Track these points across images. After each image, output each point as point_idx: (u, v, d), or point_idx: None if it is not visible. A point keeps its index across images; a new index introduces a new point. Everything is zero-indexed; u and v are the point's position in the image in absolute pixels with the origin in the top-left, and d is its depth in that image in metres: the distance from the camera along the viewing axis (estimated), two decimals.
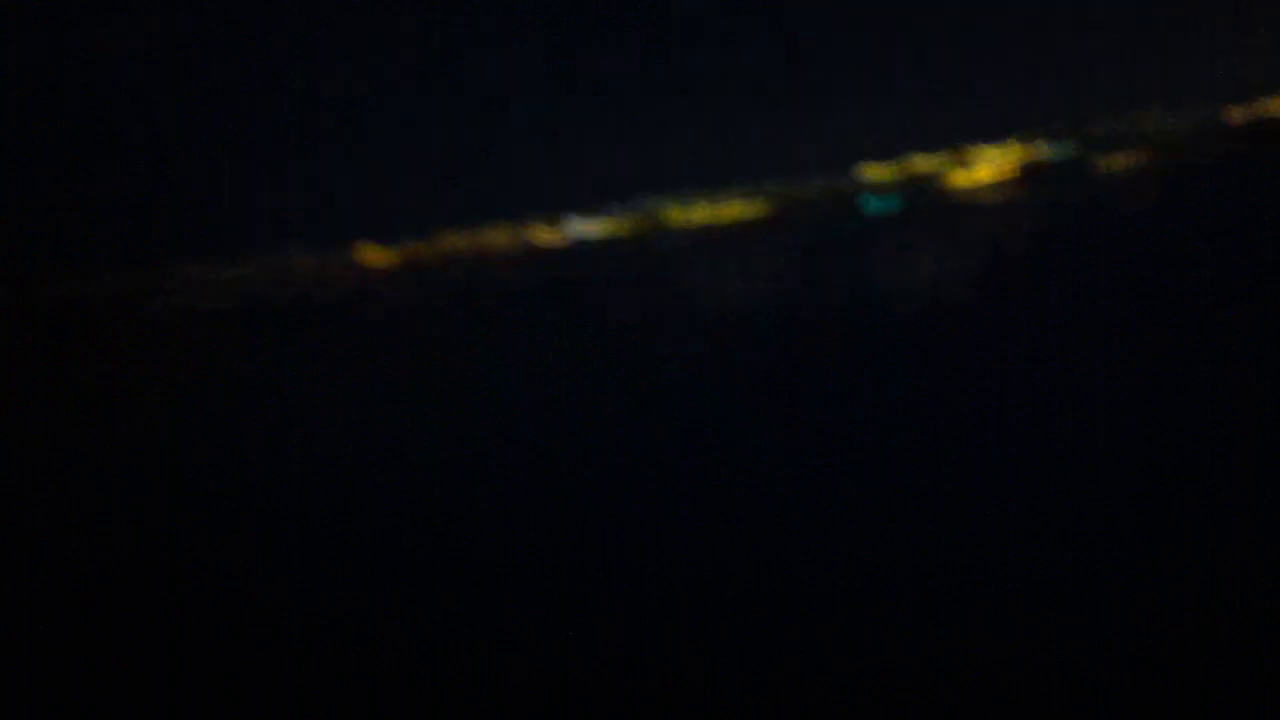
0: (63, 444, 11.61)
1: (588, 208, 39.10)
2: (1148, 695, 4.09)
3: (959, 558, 5.41)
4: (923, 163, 42.99)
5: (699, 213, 45.94)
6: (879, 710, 4.35)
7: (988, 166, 47.00)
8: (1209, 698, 4.00)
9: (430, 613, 5.52)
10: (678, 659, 4.82)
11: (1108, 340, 11.18)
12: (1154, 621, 4.55)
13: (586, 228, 46.58)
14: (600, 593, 5.53)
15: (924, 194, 44.44)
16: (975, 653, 4.60)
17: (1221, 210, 25.09)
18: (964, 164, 46.02)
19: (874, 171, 41.43)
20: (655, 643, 4.97)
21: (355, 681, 5.02)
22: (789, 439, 8.41)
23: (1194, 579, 4.89)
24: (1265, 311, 10.68)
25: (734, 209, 45.78)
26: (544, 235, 48.12)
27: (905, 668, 4.56)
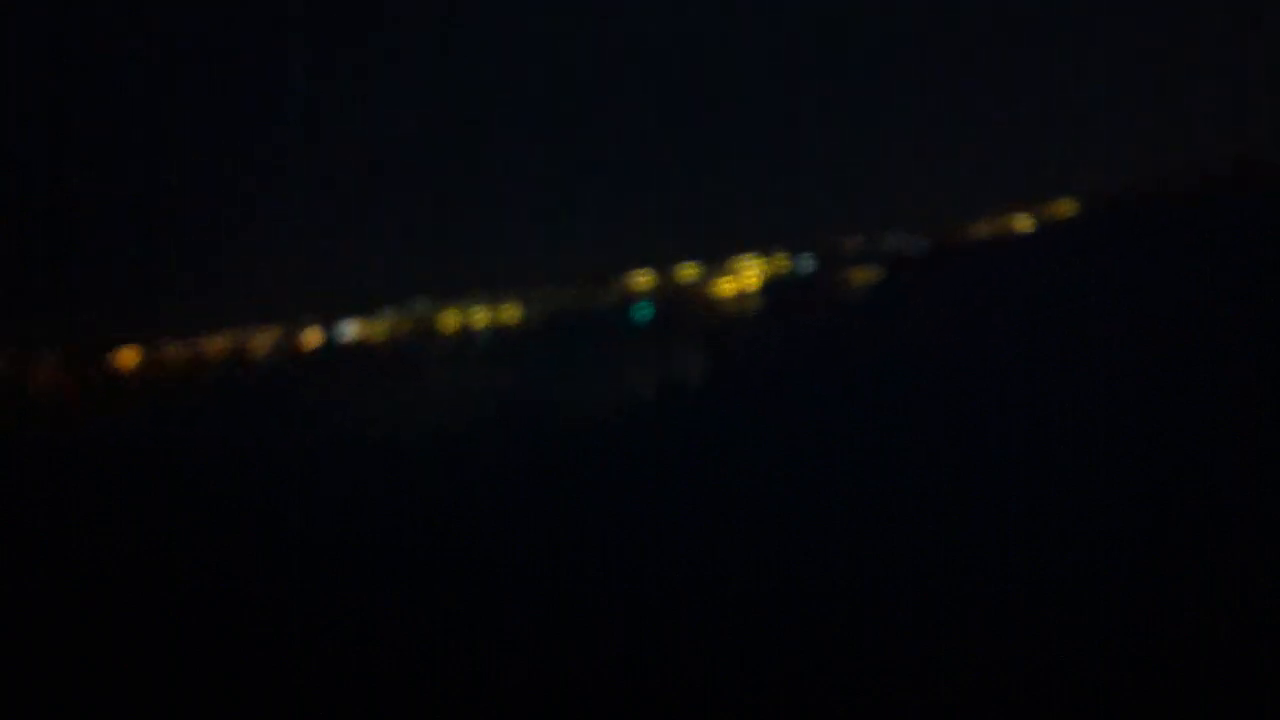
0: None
1: (361, 310, 38.96)
2: (1148, 695, 4.39)
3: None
4: (686, 271, 44.18)
5: (473, 315, 46.24)
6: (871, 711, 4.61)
7: (744, 277, 48.63)
8: (1209, 698, 4.31)
9: None
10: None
11: (846, 446, 11.83)
12: (1153, 624, 4.86)
13: (354, 329, 46.27)
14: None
15: (684, 301, 45.62)
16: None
17: (955, 320, 26.60)
18: (723, 274, 47.53)
19: (639, 279, 42.37)
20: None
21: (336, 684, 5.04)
22: (547, 550, 8.63)
23: (1180, 587, 5.21)
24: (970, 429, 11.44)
25: (506, 312, 46.11)
26: (309, 336, 47.61)
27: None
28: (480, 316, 46.12)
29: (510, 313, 46.65)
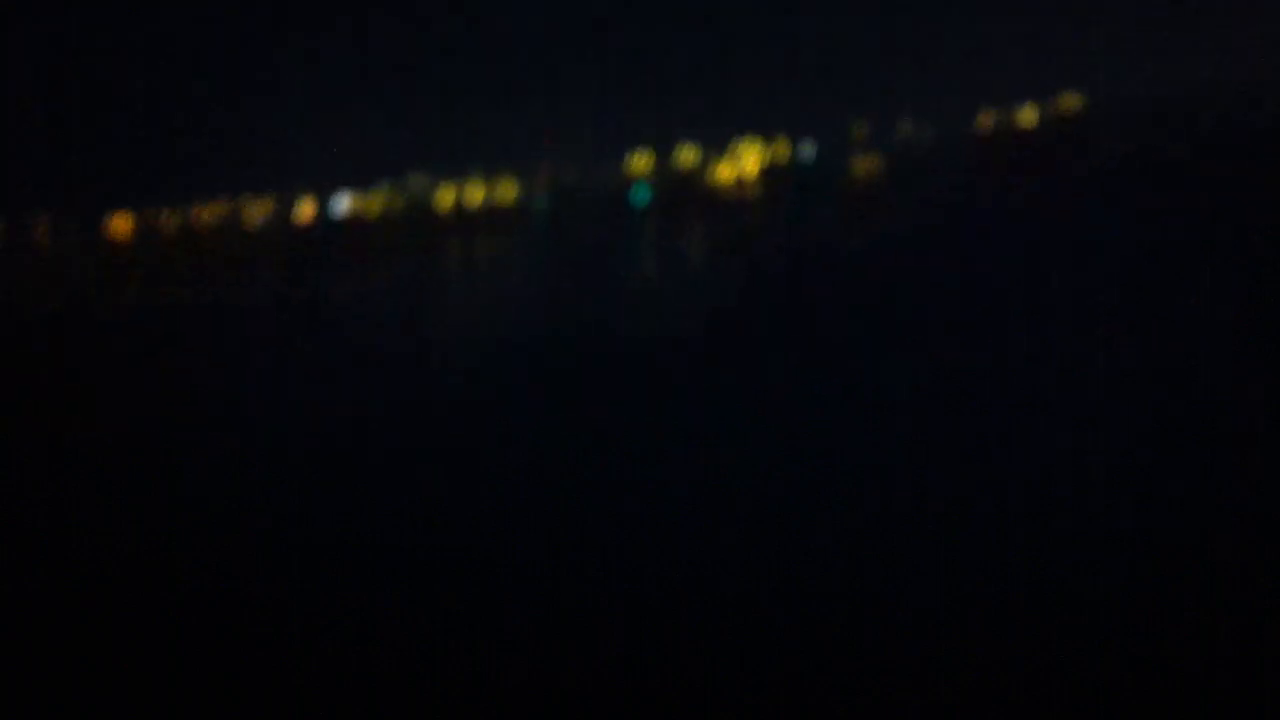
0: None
1: (359, 184, 38.40)
2: (1148, 696, 4.35)
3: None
4: (686, 155, 43.74)
5: (469, 193, 45.67)
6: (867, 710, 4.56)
7: (745, 162, 48.09)
8: (1209, 698, 4.26)
9: None
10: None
11: (846, 332, 11.68)
12: (1153, 622, 4.82)
13: (349, 203, 45.72)
14: None
15: (685, 185, 45.06)
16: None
17: (959, 212, 26.39)
18: (723, 158, 47.03)
19: (639, 162, 41.94)
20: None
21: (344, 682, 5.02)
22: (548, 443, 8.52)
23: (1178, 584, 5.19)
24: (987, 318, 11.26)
25: (504, 190, 45.57)
26: (304, 209, 47.10)
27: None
28: (477, 194, 45.64)
29: (507, 191, 46.22)
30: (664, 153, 41.79)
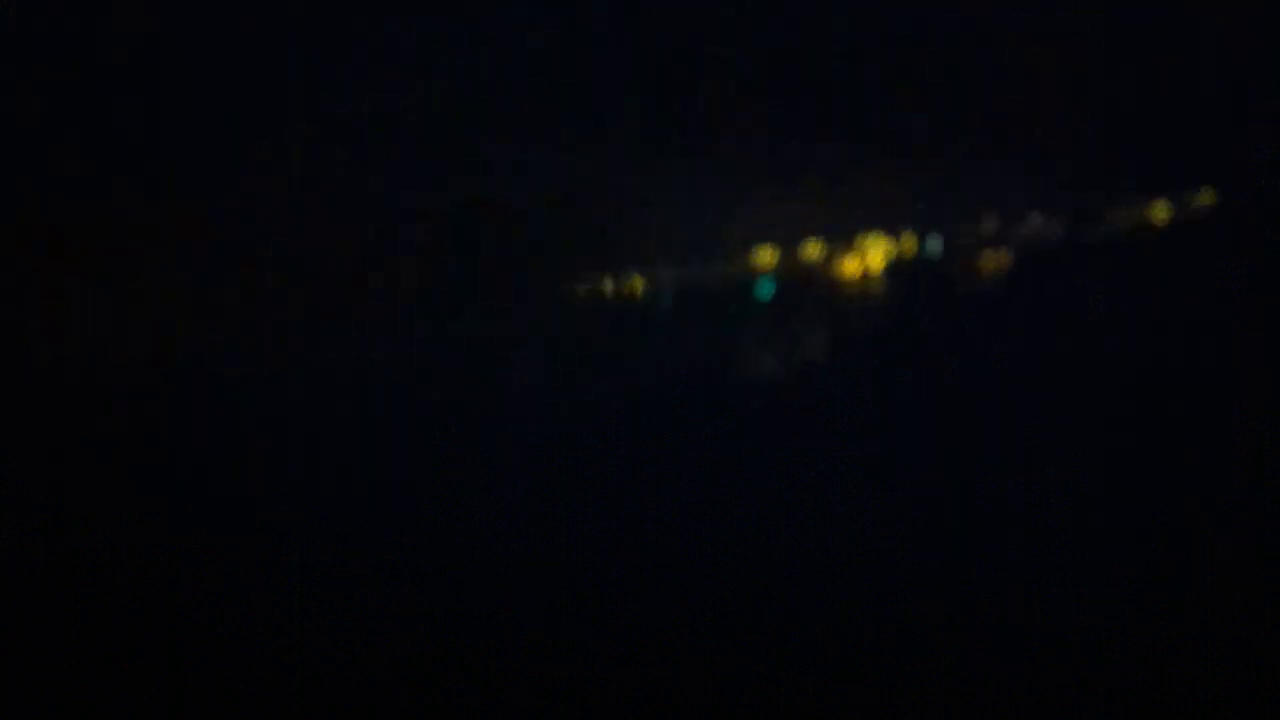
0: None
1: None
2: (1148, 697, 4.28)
3: None
4: (810, 249, 43.94)
5: (600, 289, 46.45)
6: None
7: (870, 257, 48.18)
8: (1209, 699, 4.20)
9: None
10: None
11: (966, 419, 11.58)
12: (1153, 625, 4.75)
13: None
14: None
15: (810, 279, 45.16)
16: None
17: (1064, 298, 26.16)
18: (847, 252, 47.14)
19: (763, 256, 42.16)
20: None
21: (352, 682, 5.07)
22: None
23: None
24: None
25: (631, 286, 46.24)
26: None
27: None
28: (607, 289, 46.30)
29: (634, 287, 46.77)
30: (788, 246, 41.82)
